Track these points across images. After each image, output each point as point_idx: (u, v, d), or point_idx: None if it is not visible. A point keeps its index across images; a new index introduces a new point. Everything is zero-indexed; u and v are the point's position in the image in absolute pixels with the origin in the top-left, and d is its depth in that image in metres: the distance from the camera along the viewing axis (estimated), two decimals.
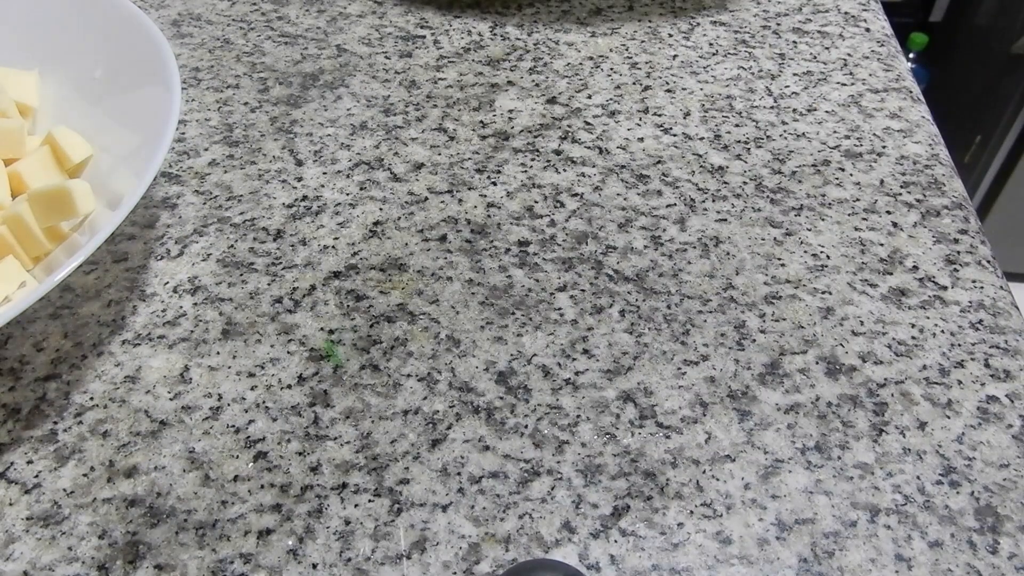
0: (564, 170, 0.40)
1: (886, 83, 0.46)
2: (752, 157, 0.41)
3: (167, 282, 0.35)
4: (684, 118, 0.43)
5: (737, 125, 0.43)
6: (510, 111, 0.44)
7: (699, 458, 0.29)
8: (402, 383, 0.31)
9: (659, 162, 0.41)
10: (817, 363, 0.32)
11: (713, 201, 0.39)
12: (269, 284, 0.35)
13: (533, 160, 0.41)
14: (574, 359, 0.32)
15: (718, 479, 0.29)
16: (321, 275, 0.35)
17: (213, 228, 0.37)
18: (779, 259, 0.36)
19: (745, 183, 0.40)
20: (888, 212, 0.38)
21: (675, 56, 0.48)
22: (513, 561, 0.26)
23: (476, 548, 0.27)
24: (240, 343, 0.33)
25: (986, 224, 1.37)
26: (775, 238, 0.37)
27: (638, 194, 0.39)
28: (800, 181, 0.40)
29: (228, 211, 0.38)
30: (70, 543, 0.27)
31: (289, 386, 0.31)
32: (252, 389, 0.31)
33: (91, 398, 0.31)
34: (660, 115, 0.43)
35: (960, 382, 0.31)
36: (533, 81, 0.46)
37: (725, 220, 0.38)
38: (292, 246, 0.36)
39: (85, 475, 0.29)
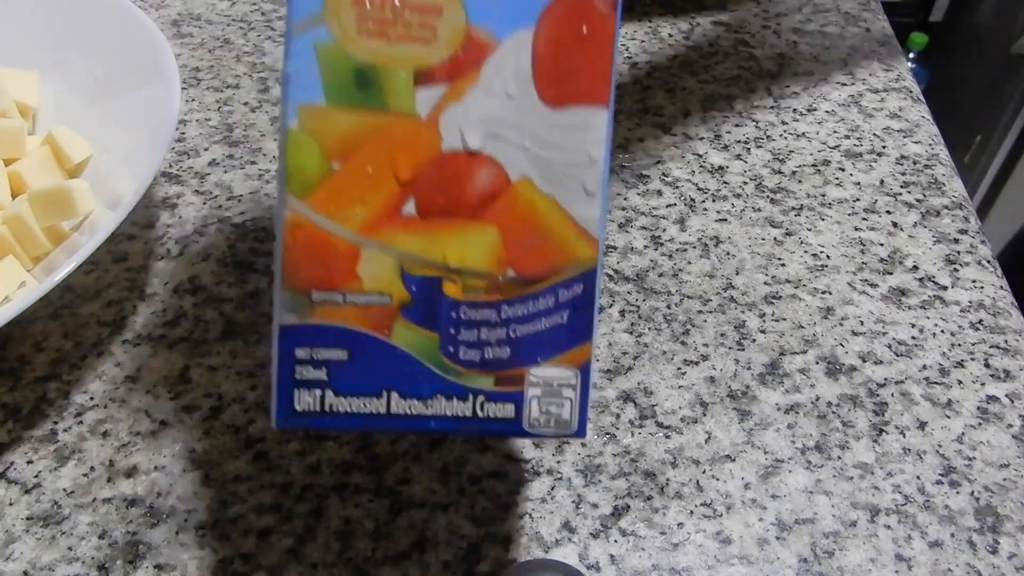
0: None
1: (886, 83, 0.46)
2: (752, 157, 0.41)
3: (167, 282, 0.35)
4: (684, 118, 0.43)
5: (737, 125, 0.43)
6: None
7: (699, 458, 0.29)
8: None
9: (659, 162, 0.41)
10: (817, 363, 0.32)
11: (713, 201, 0.39)
12: (269, 284, 0.35)
13: None
14: None
15: (718, 479, 0.29)
16: None
17: (213, 228, 0.37)
18: (779, 259, 0.36)
19: (745, 183, 0.40)
20: (888, 212, 0.38)
21: (675, 56, 0.48)
22: (513, 561, 0.26)
23: (476, 548, 0.27)
24: (240, 343, 0.33)
25: (986, 224, 1.37)
26: (775, 238, 0.37)
27: (638, 194, 0.39)
28: (800, 181, 0.40)
29: (228, 211, 0.38)
30: (70, 543, 0.27)
31: None
32: (252, 389, 0.31)
33: (91, 398, 0.31)
34: (660, 115, 0.43)
35: (960, 382, 0.31)
36: None
37: (725, 220, 0.38)
38: None
39: (85, 475, 0.29)
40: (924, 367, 0.32)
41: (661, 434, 0.30)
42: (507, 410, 0.21)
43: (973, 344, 0.33)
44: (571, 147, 0.20)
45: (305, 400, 0.21)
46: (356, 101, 0.20)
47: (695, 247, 0.36)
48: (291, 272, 0.20)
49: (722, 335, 0.33)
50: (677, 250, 0.36)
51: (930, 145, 0.42)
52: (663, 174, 0.40)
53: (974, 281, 0.35)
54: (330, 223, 0.20)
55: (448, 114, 0.20)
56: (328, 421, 0.21)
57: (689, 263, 0.36)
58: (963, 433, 0.30)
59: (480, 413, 0.21)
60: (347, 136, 0.20)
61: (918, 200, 0.39)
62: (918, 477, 0.29)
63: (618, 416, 0.30)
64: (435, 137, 0.20)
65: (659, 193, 0.39)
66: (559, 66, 0.20)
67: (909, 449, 0.29)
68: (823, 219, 0.38)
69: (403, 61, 0.20)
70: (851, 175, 0.40)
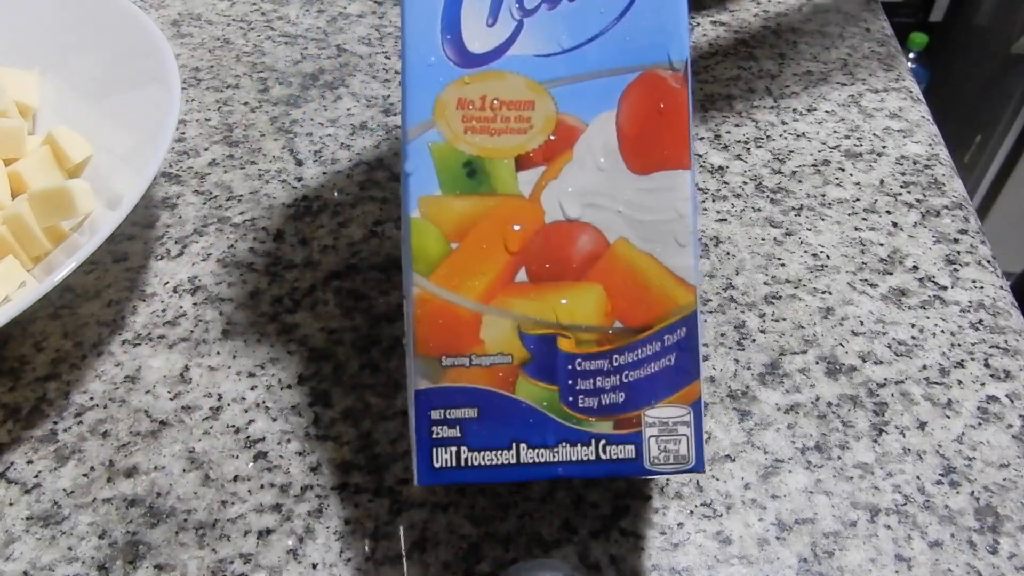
0: None
1: (886, 83, 0.46)
2: (752, 157, 0.41)
3: (167, 282, 0.35)
4: None
5: (737, 125, 0.43)
6: None
7: None
8: (402, 383, 0.31)
9: None
10: (817, 363, 0.32)
11: (713, 201, 0.39)
12: (269, 284, 0.35)
13: None
14: None
15: (718, 479, 0.29)
16: (321, 275, 0.35)
17: (213, 228, 0.37)
18: (779, 259, 0.36)
19: (745, 183, 0.40)
20: (888, 212, 0.38)
21: None
22: (513, 561, 0.26)
23: (476, 548, 0.27)
24: (240, 343, 0.33)
25: (986, 224, 1.37)
26: (775, 238, 0.37)
27: None
28: (800, 181, 0.40)
29: (228, 211, 0.38)
30: (70, 543, 0.27)
31: (289, 386, 0.31)
32: (252, 389, 0.31)
33: (91, 398, 0.31)
34: None
35: (960, 382, 0.31)
36: None
37: (725, 220, 0.38)
38: (292, 246, 0.36)
39: (85, 475, 0.29)
40: (924, 367, 0.32)
41: None
42: (628, 451, 0.23)
43: (973, 344, 0.33)
44: (661, 207, 0.23)
45: (443, 457, 0.23)
46: (467, 189, 0.23)
47: None
48: (422, 341, 0.22)
49: (722, 335, 0.33)
50: None
51: (930, 145, 0.42)
52: None
53: (974, 281, 0.35)
54: (453, 295, 0.22)
55: (548, 190, 0.23)
56: (465, 475, 0.23)
57: None
58: (963, 433, 0.30)
59: (603, 456, 0.23)
60: (462, 219, 0.23)
61: (918, 200, 0.39)
62: (918, 477, 0.29)
63: None
64: (538, 211, 0.23)
65: None
66: (642, 139, 0.23)
67: (909, 449, 0.29)
68: (823, 219, 0.38)
69: (505, 151, 0.23)
70: (851, 175, 0.40)
